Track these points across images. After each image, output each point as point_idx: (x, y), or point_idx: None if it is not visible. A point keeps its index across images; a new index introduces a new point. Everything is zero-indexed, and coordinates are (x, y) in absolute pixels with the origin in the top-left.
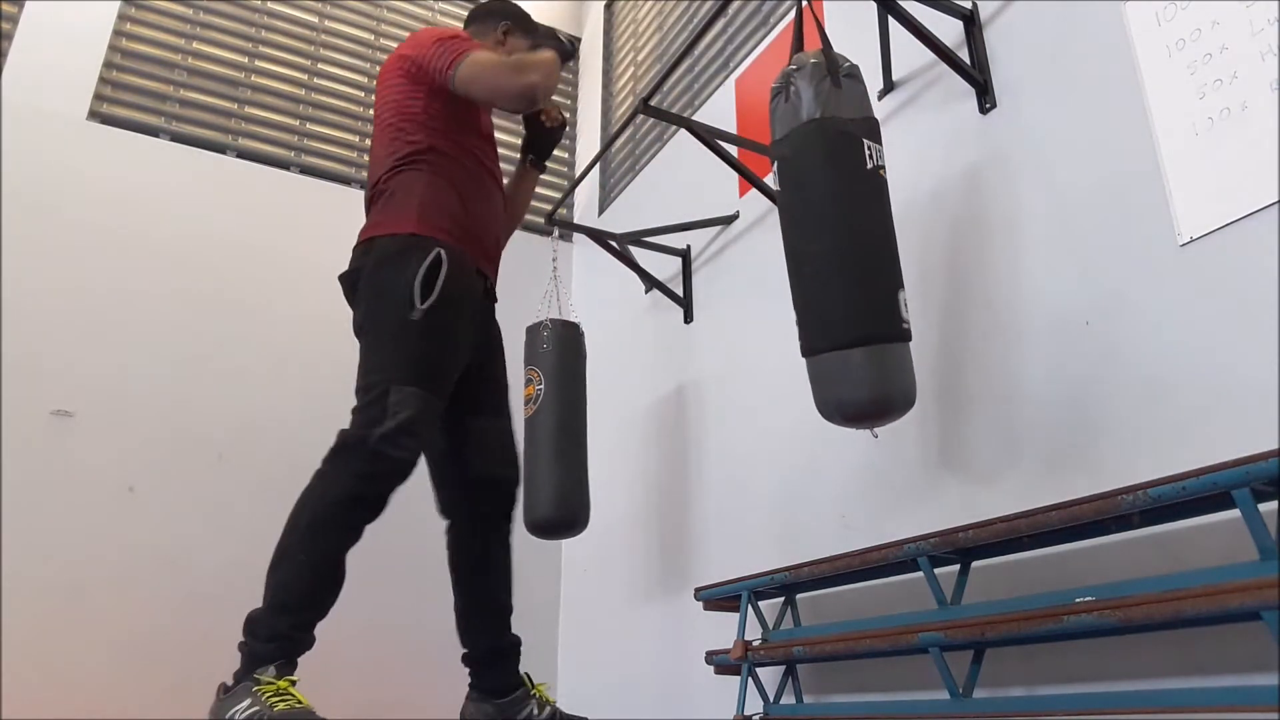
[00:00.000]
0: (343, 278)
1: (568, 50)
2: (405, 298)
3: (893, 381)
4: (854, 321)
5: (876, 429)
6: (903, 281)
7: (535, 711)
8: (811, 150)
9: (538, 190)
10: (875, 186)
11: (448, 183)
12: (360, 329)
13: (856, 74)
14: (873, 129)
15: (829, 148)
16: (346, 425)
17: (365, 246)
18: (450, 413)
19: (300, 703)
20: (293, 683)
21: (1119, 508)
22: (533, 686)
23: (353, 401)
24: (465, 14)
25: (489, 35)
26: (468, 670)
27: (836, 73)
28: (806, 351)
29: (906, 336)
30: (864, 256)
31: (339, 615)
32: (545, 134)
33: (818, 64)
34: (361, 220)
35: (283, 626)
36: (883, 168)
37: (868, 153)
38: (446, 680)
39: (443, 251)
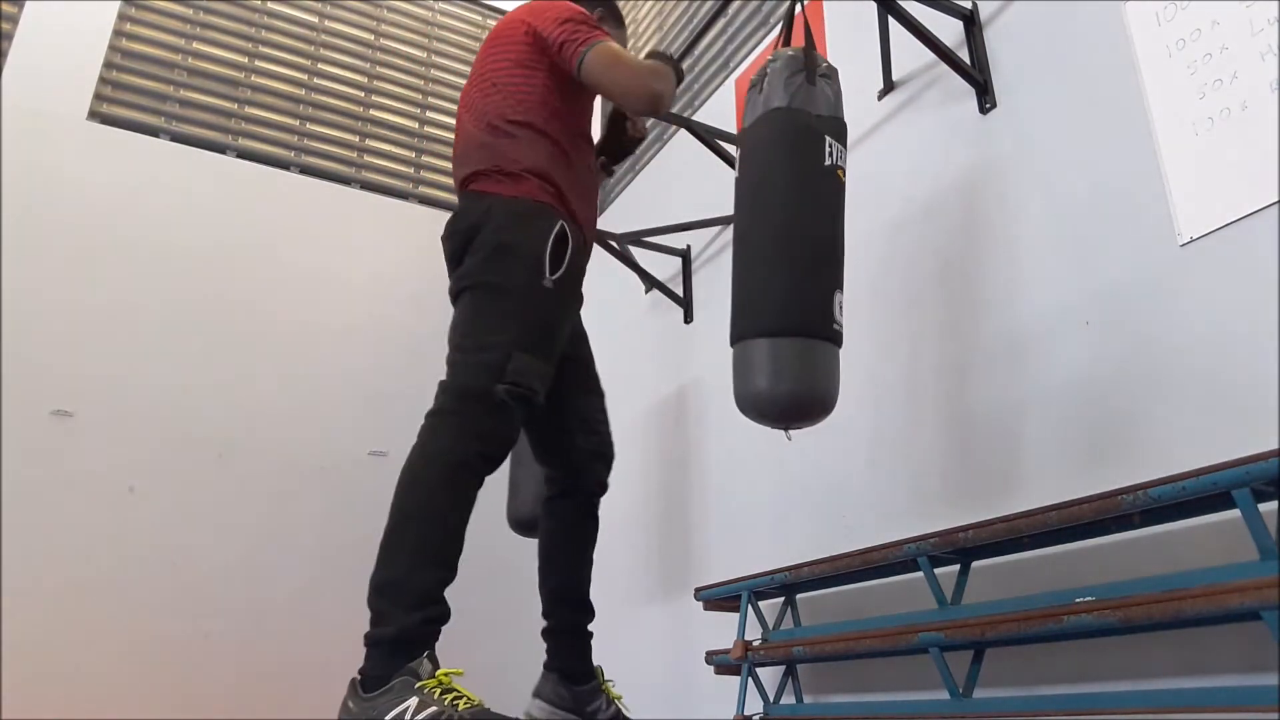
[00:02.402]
0: (456, 227)
1: (679, 71)
2: (535, 265)
3: (817, 381)
4: (785, 312)
5: (792, 430)
6: (842, 285)
7: (604, 706)
8: (771, 136)
9: None
10: (831, 185)
11: (564, 158)
12: (474, 285)
13: (833, 76)
14: (839, 130)
15: (790, 137)
16: (448, 379)
17: (482, 202)
18: (552, 389)
19: (474, 700)
20: (452, 675)
21: (1119, 508)
22: (603, 681)
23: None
24: (465, 14)
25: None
26: (546, 647)
27: (813, 70)
28: (734, 338)
29: (837, 340)
30: (805, 249)
31: (343, 615)
32: (627, 142)
33: (794, 58)
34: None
35: (431, 584)
36: (842, 169)
37: (828, 149)
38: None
39: (566, 225)
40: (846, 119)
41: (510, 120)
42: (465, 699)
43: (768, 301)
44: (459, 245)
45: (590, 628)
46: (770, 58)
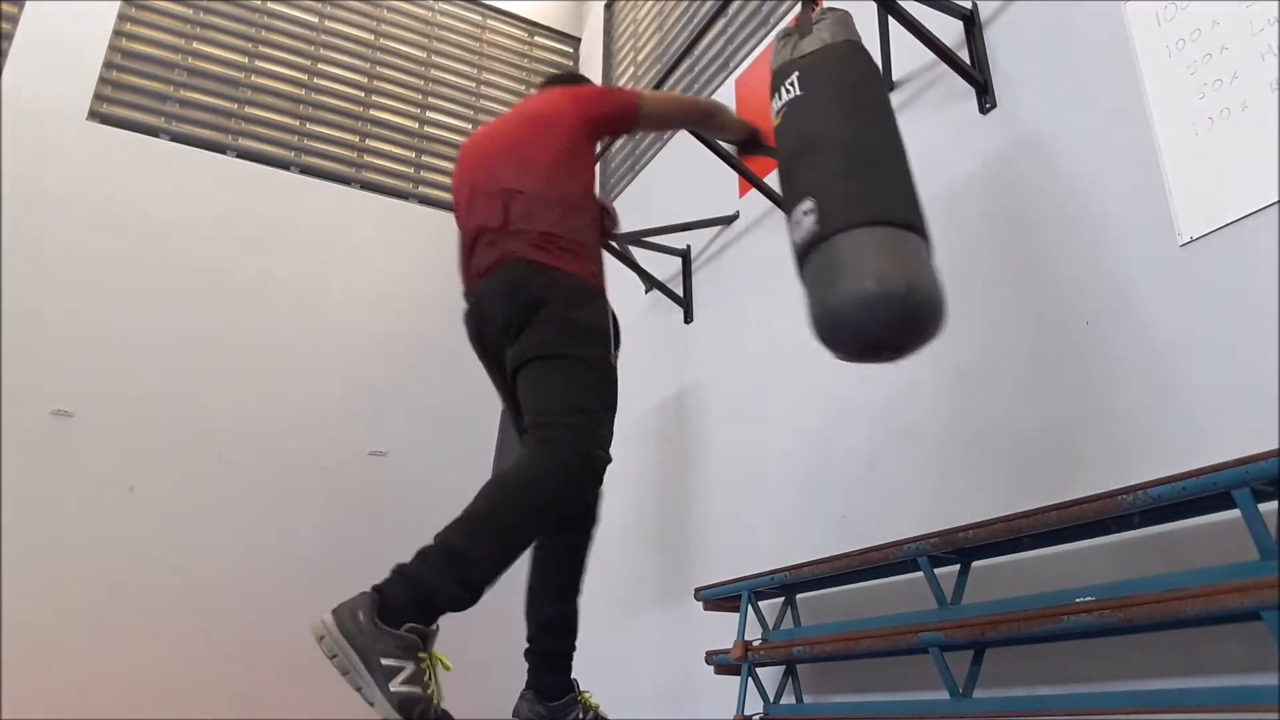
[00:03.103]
0: (520, 295)
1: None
2: (605, 342)
3: (932, 281)
4: (893, 202)
5: (898, 355)
6: None
7: (580, 716)
8: (845, 58)
9: None
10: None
11: (596, 236)
12: (561, 356)
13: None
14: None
15: (863, 62)
16: (558, 432)
17: (550, 275)
18: None
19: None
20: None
21: (1119, 508)
22: (579, 692)
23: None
24: (465, 14)
25: None
26: (527, 667)
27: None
28: (822, 234)
29: (891, 221)
30: (895, 151)
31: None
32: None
33: (843, 14)
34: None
35: (483, 577)
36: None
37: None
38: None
39: (613, 311)
40: None
41: (570, 200)
42: (440, 694)
43: (880, 190)
44: (519, 313)
45: (570, 645)
46: (813, 13)
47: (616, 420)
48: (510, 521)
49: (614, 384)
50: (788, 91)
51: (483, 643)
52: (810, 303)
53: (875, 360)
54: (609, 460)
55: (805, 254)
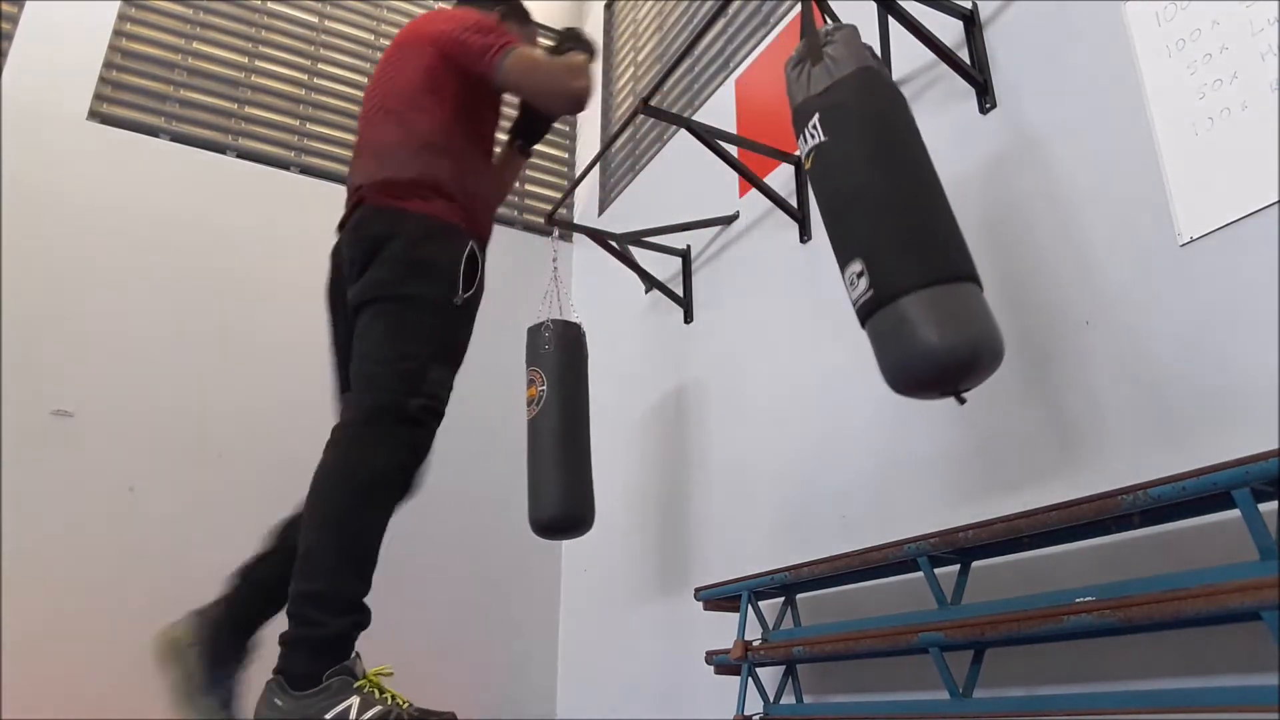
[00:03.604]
0: (361, 234)
1: (593, 52)
2: (450, 282)
3: (991, 329)
4: (941, 256)
5: (966, 390)
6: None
7: (356, 711)
8: (863, 90)
9: (539, 190)
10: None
11: (471, 170)
12: (387, 297)
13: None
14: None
15: (881, 90)
16: (364, 391)
17: (396, 215)
18: None
19: (408, 702)
20: (382, 675)
21: (1119, 508)
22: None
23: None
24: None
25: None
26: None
27: (865, 46)
28: (879, 299)
29: (937, 280)
30: (933, 192)
31: None
32: (541, 120)
33: (850, 31)
34: None
35: (357, 593)
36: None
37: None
38: (444, 680)
39: (475, 245)
40: None
41: (424, 137)
42: (404, 702)
43: (930, 247)
44: (362, 253)
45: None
46: (824, 30)
47: (616, 420)
48: (354, 528)
49: (455, 329)
50: (812, 136)
51: (481, 644)
52: (882, 363)
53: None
54: (433, 411)
55: (865, 317)
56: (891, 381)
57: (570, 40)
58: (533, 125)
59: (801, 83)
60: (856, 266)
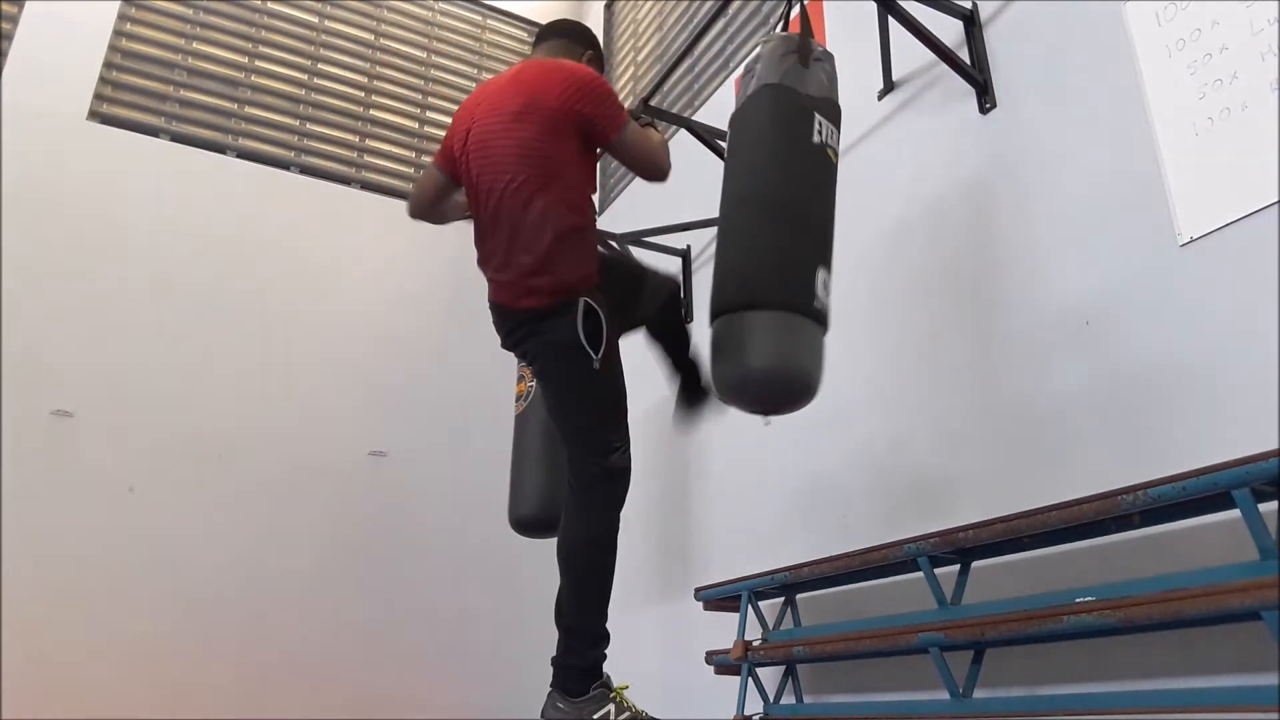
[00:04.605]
0: (551, 338)
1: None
2: (619, 365)
3: (800, 358)
4: (767, 284)
5: (772, 417)
6: (828, 263)
7: (612, 715)
8: (759, 111)
9: None
10: (818, 161)
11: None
12: (597, 383)
13: (828, 60)
14: (832, 110)
15: (777, 113)
16: (598, 458)
17: (571, 300)
18: None
19: (645, 712)
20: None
21: (1119, 508)
22: (614, 689)
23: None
24: (465, 14)
25: (575, 57)
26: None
27: (807, 53)
28: (714, 313)
29: (821, 319)
30: (789, 220)
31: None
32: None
33: (788, 39)
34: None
35: (605, 626)
36: (832, 149)
37: (817, 127)
38: (444, 680)
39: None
40: (846, 118)
41: (576, 220)
42: (640, 710)
43: (753, 274)
44: (572, 340)
45: (576, 642)
46: (764, 39)
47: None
48: (601, 572)
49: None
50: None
51: (480, 644)
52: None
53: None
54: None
55: (714, 316)
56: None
57: (641, 114)
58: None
59: (739, 94)
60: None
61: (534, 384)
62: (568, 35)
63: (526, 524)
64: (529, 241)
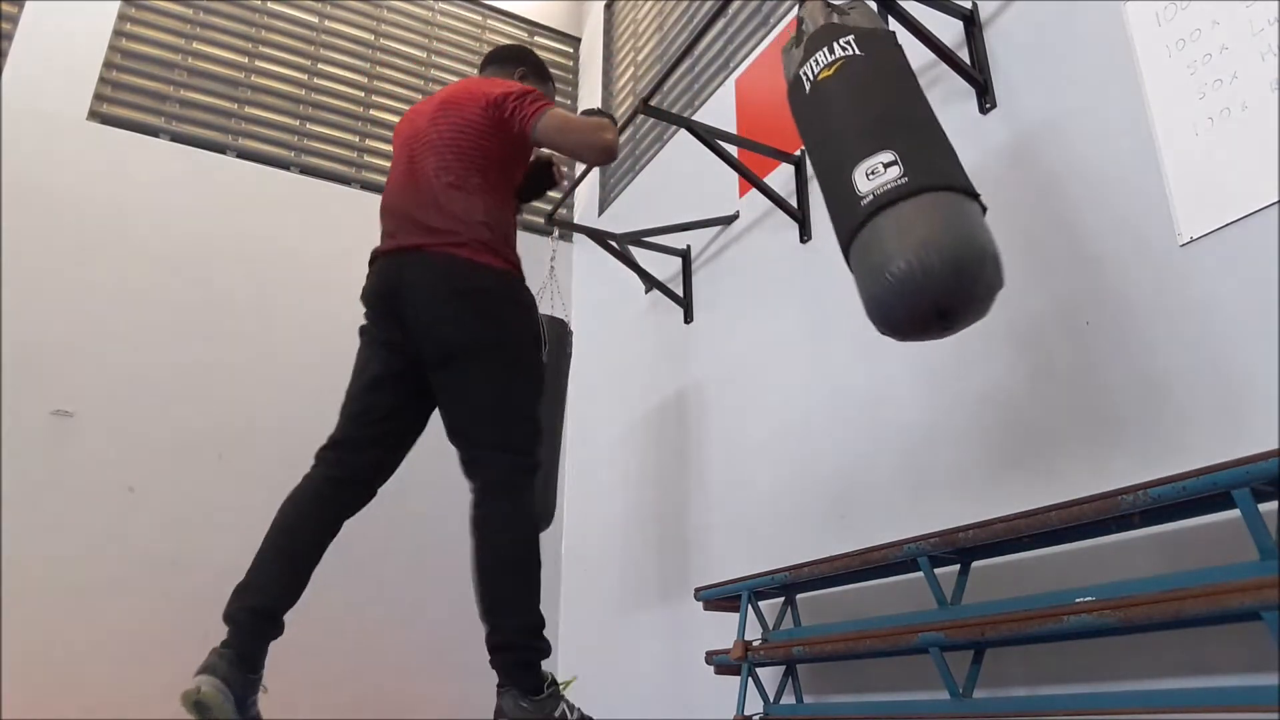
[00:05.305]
0: (462, 289)
1: (614, 119)
2: (537, 340)
3: (975, 231)
4: (942, 166)
5: (953, 319)
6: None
7: (568, 713)
8: (896, 47)
9: None
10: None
11: (513, 226)
12: (492, 350)
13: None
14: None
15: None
16: (500, 443)
17: (483, 270)
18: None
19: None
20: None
21: (1119, 508)
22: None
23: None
24: (465, 14)
25: (508, 77)
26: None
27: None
28: (910, 188)
29: (977, 198)
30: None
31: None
32: (544, 183)
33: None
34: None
35: (543, 622)
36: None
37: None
38: (444, 680)
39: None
40: None
41: (485, 198)
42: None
43: (935, 153)
44: (444, 301)
45: (497, 641)
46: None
47: (616, 420)
48: (533, 565)
49: (542, 379)
50: (842, 49)
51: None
52: (892, 252)
53: (926, 333)
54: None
55: (884, 205)
56: (910, 279)
57: (593, 112)
58: (535, 186)
59: (829, 16)
60: (886, 156)
61: None
62: (499, 61)
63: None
64: None
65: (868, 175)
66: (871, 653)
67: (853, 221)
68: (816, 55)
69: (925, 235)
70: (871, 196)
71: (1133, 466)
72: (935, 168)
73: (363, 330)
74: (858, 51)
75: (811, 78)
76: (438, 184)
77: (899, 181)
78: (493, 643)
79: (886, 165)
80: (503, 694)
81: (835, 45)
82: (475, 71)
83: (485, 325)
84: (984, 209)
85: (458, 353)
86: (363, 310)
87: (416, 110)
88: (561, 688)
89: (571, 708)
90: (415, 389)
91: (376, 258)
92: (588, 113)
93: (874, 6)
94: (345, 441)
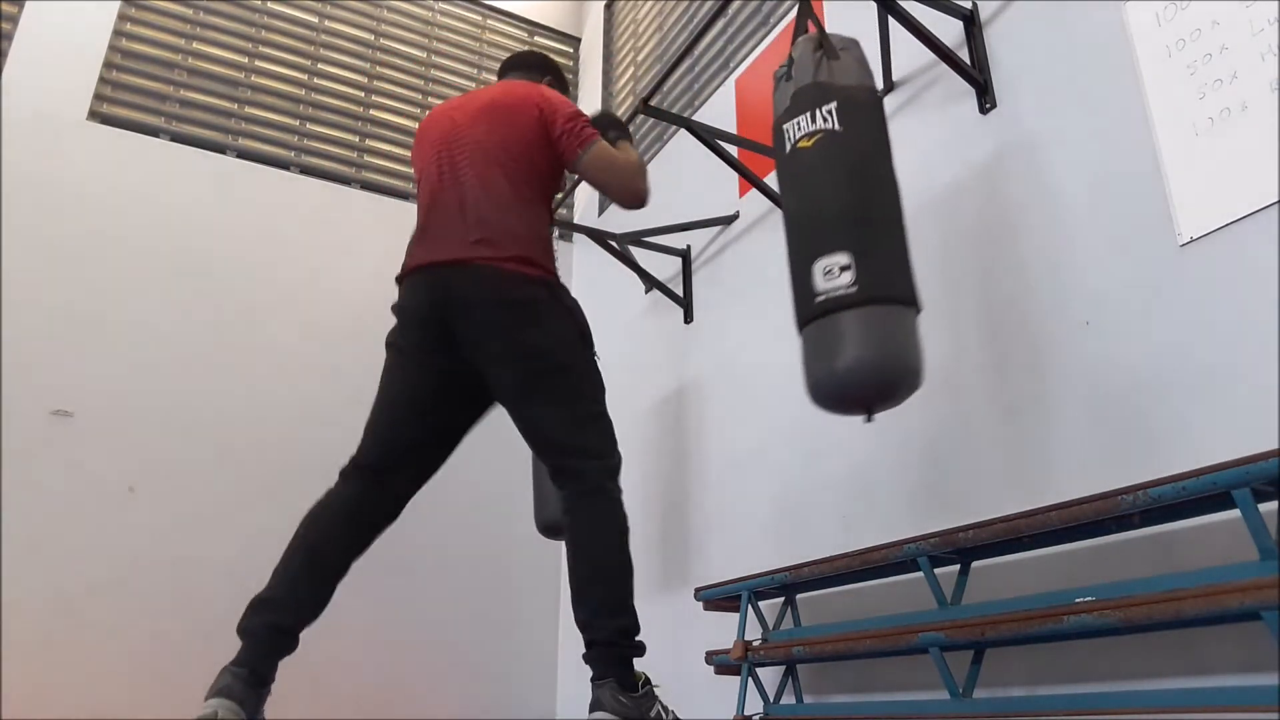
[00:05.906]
0: (515, 301)
1: (630, 134)
2: (588, 339)
3: (903, 348)
4: (911, 283)
5: (875, 412)
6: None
7: (663, 713)
8: (876, 108)
9: None
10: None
11: (550, 234)
12: (553, 358)
13: (852, 48)
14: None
15: (882, 118)
16: (580, 448)
17: (534, 282)
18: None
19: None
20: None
21: (1119, 508)
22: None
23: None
24: (465, 14)
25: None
26: None
27: (832, 48)
28: (858, 299)
29: (915, 303)
30: (884, 209)
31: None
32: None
33: (860, 50)
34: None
35: (638, 623)
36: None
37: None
38: (444, 680)
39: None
40: None
41: (533, 207)
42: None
43: (908, 266)
44: (498, 313)
45: (596, 637)
46: (840, 39)
47: (615, 420)
48: (628, 567)
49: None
50: (824, 119)
51: (480, 644)
52: (832, 356)
53: (850, 416)
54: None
55: (831, 310)
56: (836, 383)
57: (613, 128)
58: None
59: (819, 69)
60: (842, 259)
61: None
62: (525, 67)
63: (556, 529)
64: None
65: (824, 273)
66: (871, 653)
67: (807, 312)
68: (799, 119)
69: (860, 353)
70: (825, 296)
71: (1132, 466)
72: (884, 278)
73: (393, 345)
74: (837, 126)
75: (792, 140)
76: (494, 195)
77: (849, 290)
78: (591, 638)
79: (842, 269)
80: (600, 686)
81: (818, 114)
82: (475, 71)
83: (543, 335)
84: (919, 310)
85: (522, 366)
86: (395, 324)
87: (449, 111)
88: (656, 691)
89: (666, 709)
90: (458, 404)
91: (414, 270)
92: (604, 133)
93: (874, 6)
94: (381, 461)
